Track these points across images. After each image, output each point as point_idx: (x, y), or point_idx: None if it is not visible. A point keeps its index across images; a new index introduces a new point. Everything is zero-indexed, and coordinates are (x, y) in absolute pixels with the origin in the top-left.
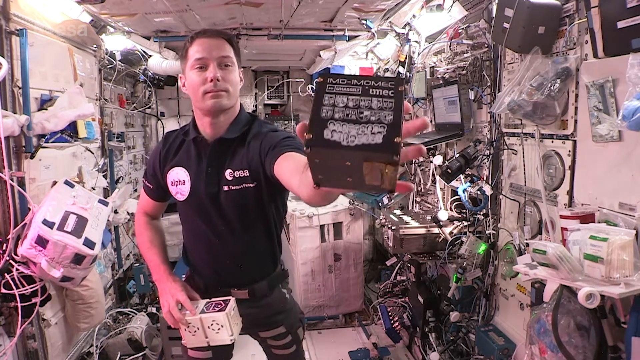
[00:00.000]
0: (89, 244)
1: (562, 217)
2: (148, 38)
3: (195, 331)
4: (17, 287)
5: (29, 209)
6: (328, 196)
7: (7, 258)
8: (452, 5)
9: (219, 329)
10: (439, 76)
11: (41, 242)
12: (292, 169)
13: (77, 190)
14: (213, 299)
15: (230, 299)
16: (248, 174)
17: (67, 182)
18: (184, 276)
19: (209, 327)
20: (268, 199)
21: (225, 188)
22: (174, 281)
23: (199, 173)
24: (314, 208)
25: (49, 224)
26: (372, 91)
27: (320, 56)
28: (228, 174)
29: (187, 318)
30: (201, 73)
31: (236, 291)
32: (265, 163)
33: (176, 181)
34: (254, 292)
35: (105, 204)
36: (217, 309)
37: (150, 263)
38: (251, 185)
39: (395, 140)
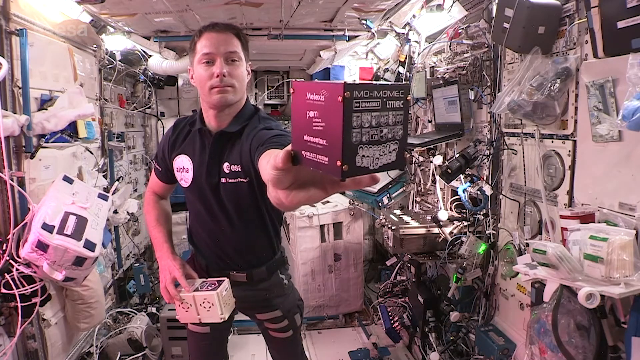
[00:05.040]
0: (90, 245)
1: (562, 217)
2: (148, 38)
3: (188, 308)
4: (17, 287)
5: (29, 209)
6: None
7: (7, 258)
8: (452, 5)
9: (209, 307)
10: (439, 76)
11: (42, 246)
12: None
13: (76, 185)
14: (209, 279)
15: (224, 280)
16: (240, 170)
17: (65, 178)
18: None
19: (200, 305)
20: (262, 194)
21: (223, 180)
22: (173, 259)
23: (201, 163)
24: (314, 208)
25: (48, 228)
26: (389, 104)
27: (320, 56)
28: (226, 167)
29: (181, 295)
30: (208, 68)
31: (235, 274)
32: (254, 160)
33: (181, 168)
34: (252, 276)
35: (105, 198)
36: (211, 288)
37: (155, 240)
38: (244, 180)
39: (404, 155)
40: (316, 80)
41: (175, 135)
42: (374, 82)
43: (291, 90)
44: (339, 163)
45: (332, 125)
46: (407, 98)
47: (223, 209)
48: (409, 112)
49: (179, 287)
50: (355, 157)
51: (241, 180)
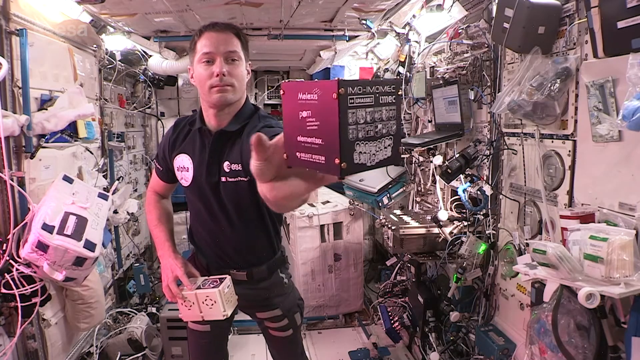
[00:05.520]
0: (90, 246)
1: (562, 217)
2: (148, 38)
3: (190, 306)
4: (17, 287)
5: (29, 209)
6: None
7: (7, 258)
8: (452, 5)
9: (212, 304)
10: (439, 76)
11: (42, 247)
12: None
13: (76, 185)
14: (211, 277)
15: (226, 277)
16: (241, 168)
17: (65, 178)
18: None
19: (203, 303)
20: None
21: (223, 179)
22: (175, 258)
23: (201, 162)
24: (314, 208)
25: (48, 229)
26: (382, 99)
27: (320, 56)
28: (226, 165)
29: (183, 293)
30: (208, 67)
31: (235, 272)
32: None
33: (181, 167)
34: (252, 275)
35: (105, 197)
36: (213, 285)
37: (157, 239)
38: (244, 179)
39: (399, 150)
40: (315, 79)
41: (176, 134)
42: (366, 78)
43: (281, 92)
44: (337, 161)
45: (327, 123)
46: (399, 93)
47: (223, 208)
48: (410, 111)
49: (181, 286)
50: (353, 154)
51: (241, 179)
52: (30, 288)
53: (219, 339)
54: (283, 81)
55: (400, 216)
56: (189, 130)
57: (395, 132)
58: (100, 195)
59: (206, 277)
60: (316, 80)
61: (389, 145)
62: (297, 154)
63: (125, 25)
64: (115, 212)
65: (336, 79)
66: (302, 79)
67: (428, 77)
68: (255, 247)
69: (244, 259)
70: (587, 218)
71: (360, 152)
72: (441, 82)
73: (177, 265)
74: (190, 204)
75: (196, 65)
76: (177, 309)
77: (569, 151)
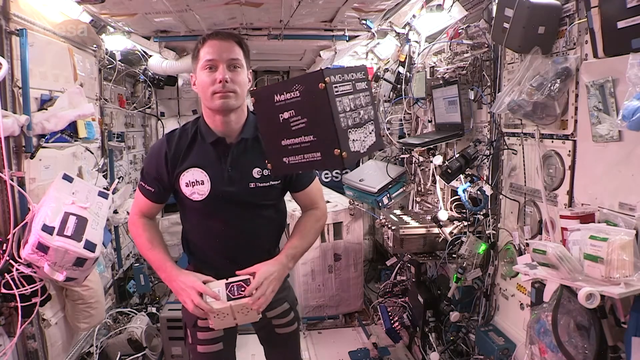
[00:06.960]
0: (90, 246)
1: (562, 217)
2: (148, 38)
3: (224, 317)
4: (17, 287)
5: (29, 209)
6: None
7: (7, 258)
8: (452, 5)
9: (247, 312)
10: (439, 76)
11: (42, 248)
12: (304, 205)
13: (76, 184)
14: (231, 279)
15: (248, 278)
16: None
17: (65, 177)
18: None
19: (238, 312)
20: (284, 193)
21: (252, 185)
22: (184, 275)
23: (220, 172)
24: None
25: (48, 230)
26: (358, 85)
27: (320, 56)
28: (256, 172)
29: (217, 307)
30: (211, 74)
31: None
32: (292, 177)
33: (193, 182)
34: None
35: (105, 196)
36: (242, 290)
37: (155, 263)
38: (276, 182)
39: (381, 134)
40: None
41: (173, 150)
42: (342, 66)
43: (252, 100)
44: (337, 152)
45: (318, 117)
46: (369, 78)
47: (243, 212)
48: (410, 111)
49: (204, 298)
50: (349, 143)
51: (273, 183)
52: (30, 288)
53: (231, 353)
54: (252, 88)
55: (400, 216)
56: (189, 144)
57: (374, 117)
58: (101, 194)
59: (226, 281)
60: (291, 78)
61: (372, 130)
62: (284, 159)
63: (125, 25)
64: (115, 212)
65: (319, 69)
66: None
67: (428, 77)
68: (269, 244)
69: (257, 258)
70: (587, 218)
71: (354, 140)
72: (441, 82)
73: (193, 282)
74: (197, 218)
75: (199, 73)
76: (178, 309)
77: (569, 151)
